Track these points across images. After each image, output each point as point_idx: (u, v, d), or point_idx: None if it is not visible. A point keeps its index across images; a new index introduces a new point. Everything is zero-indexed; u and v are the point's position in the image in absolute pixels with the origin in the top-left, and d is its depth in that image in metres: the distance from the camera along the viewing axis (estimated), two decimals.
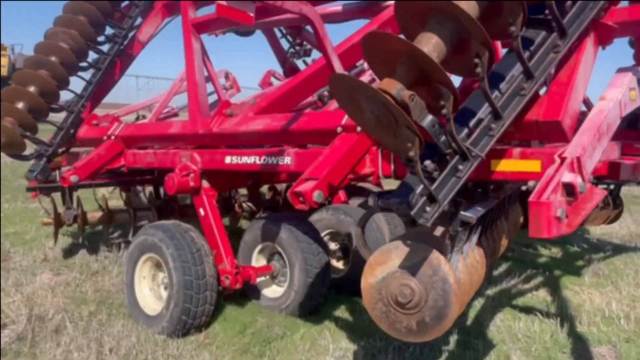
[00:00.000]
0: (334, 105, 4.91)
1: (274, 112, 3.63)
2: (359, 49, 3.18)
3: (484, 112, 2.13)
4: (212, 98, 5.87)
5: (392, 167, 2.80)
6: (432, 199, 1.99)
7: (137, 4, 5.61)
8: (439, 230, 2.70)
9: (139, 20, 5.49)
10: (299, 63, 7.14)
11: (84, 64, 5.21)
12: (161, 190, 6.01)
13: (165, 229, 3.77)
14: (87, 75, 5.27)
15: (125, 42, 5.42)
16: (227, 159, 3.87)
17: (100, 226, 5.71)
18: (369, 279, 2.47)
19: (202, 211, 4.15)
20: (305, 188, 2.56)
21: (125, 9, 5.51)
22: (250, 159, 3.69)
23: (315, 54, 7.13)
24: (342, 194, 5.56)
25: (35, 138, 4.98)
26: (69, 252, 5.70)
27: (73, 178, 4.55)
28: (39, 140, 5.06)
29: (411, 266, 2.33)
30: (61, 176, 4.61)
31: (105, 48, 5.30)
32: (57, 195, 5.43)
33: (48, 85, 4.92)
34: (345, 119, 2.96)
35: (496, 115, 2.09)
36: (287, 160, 3.43)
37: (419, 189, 2.06)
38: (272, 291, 4.27)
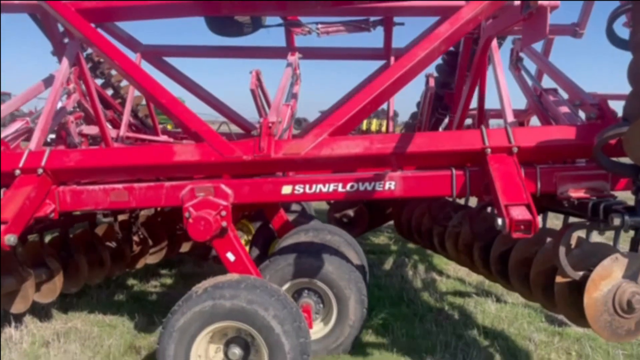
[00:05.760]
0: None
1: (347, 130, 3.23)
2: None
3: None
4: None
5: None
6: None
7: None
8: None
9: None
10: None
11: None
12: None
13: (250, 286, 2.91)
14: None
15: None
16: (286, 189, 3.23)
17: None
18: (594, 294, 2.63)
19: (231, 256, 3.34)
20: (526, 215, 2.50)
21: None
22: (327, 188, 3.20)
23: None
24: (283, 213, 5.15)
25: None
26: None
27: (10, 238, 2.96)
28: None
29: (634, 275, 2.63)
30: None
31: None
32: None
33: None
34: (487, 140, 2.93)
35: None
36: (390, 185, 3.13)
37: None
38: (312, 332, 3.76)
